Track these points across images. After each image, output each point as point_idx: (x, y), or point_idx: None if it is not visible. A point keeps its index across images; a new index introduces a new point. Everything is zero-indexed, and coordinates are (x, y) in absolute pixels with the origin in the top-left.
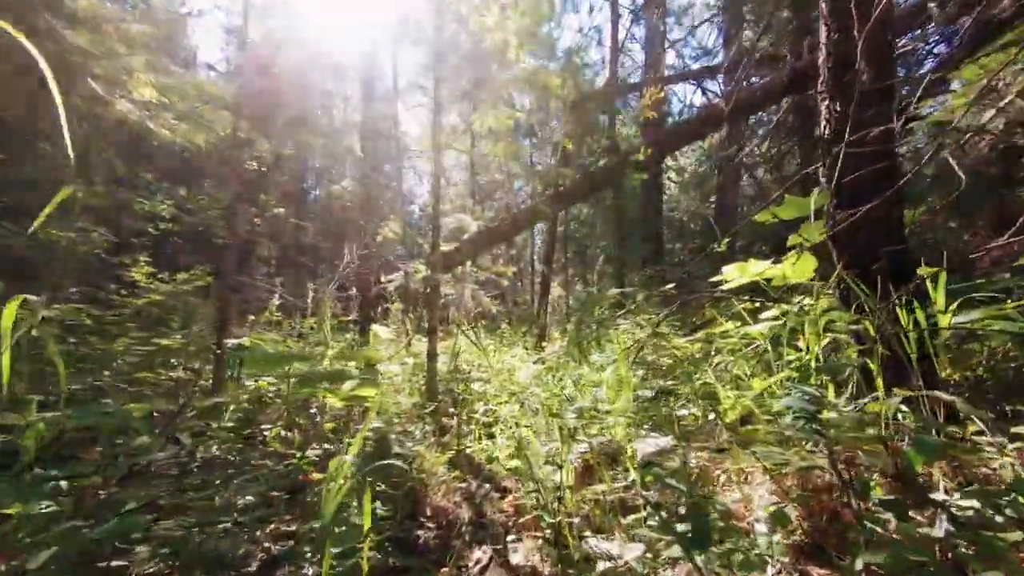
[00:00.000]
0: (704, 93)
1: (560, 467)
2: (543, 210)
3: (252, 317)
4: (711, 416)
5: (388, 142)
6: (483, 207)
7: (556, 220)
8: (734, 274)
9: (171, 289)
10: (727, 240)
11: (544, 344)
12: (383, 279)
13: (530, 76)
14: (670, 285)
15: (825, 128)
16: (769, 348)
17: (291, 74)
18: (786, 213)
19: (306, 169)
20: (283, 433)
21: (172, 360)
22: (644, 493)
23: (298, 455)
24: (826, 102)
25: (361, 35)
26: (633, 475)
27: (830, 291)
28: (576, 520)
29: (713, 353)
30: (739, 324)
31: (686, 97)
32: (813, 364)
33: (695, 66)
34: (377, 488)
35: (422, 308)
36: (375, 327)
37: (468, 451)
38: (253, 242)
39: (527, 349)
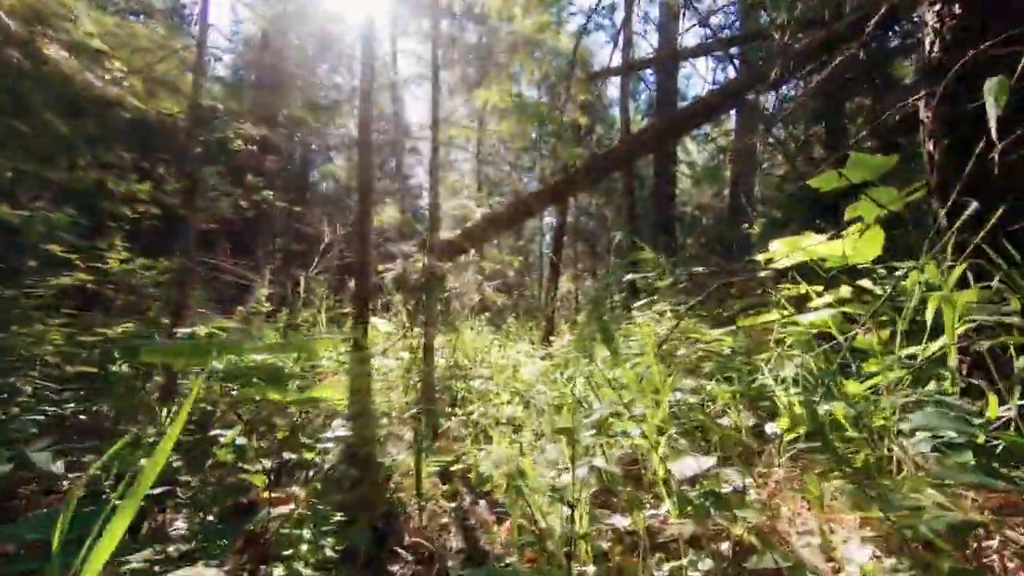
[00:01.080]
0: (731, 60)
1: (572, 507)
2: (552, 193)
3: (241, 308)
4: (769, 428)
5: (388, 125)
6: (489, 197)
7: (565, 209)
8: (781, 252)
9: (120, 269)
10: (757, 220)
11: (552, 339)
12: (381, 268)
13: (534, 34)
14: (698, 269)
15: (932, 46)
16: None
17: (283, 47)
18: (855, 174)
19: (307, 160)
20: (237, 440)
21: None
22: (679, 522)
23: (252, 469)
24: (936, 6)
25: (359, 9)
26: (667, 505)
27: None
28: (591, 569)
29: (772, 344)
30: (788, 312)
31: (706, 73)
32: (953, 362)
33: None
34: (338, 517)
35: (422, 299)
36: (373, 319)
37: (462, 463)
38: (253, 227)
39: (533, 343)
